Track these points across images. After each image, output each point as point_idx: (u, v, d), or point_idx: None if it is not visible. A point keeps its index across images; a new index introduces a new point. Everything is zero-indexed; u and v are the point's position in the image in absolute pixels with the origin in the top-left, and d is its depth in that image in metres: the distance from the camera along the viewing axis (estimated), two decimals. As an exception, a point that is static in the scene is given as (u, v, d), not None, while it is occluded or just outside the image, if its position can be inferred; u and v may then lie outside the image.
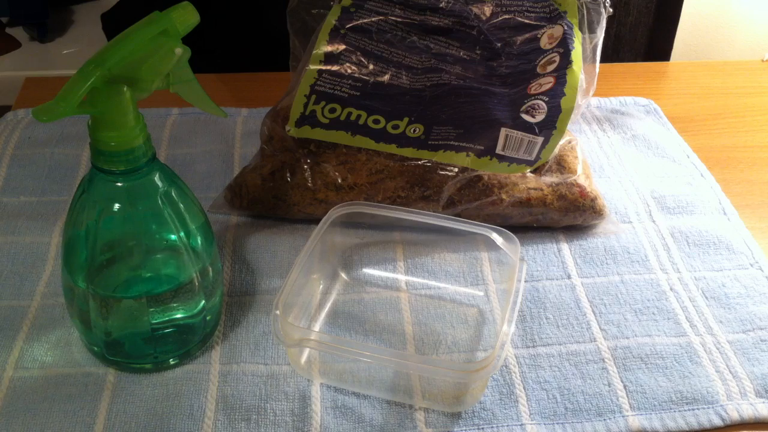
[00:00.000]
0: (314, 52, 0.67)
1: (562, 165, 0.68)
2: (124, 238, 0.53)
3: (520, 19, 0.68)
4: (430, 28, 0.68)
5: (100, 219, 0.51)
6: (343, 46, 0.67)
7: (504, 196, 0.66)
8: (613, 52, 1.20)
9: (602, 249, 0.67)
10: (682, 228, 0.69)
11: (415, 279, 0.64)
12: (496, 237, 0.59)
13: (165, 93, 0.51)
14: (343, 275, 0.64)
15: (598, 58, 0.70)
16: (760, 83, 0.93)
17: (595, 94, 0.81)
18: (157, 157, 0.51)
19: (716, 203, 0.72)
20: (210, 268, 0.55)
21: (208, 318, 0.57)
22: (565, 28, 0.67)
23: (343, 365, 0.56)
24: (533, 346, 0.58)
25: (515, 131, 0.66)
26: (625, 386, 0.56)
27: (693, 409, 0.54)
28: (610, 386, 0.56)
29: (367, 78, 0.66)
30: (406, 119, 0.66)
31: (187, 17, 0.49)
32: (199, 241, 0.54)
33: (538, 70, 0.67)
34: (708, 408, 0.54)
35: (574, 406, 0.54)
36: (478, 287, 0.63)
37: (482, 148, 0.67)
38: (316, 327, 0.60)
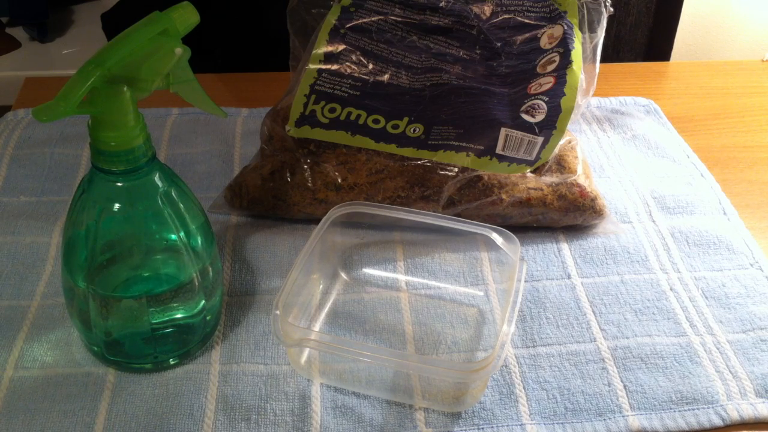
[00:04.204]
0: (314, 51, 0.67)
1: (562, 165, 0.68)
2: (124, 238, 0.53)
3: (520, 18, 0.68)
4: (430, 28, 0.68)
5: (100, 219, 0.51)
6: (342, 46, 0.67)
7: (504, 196, 0.66)
8: (613, 52, 1.20)
9: (602, 249, 0.67)
10: (682, 228, 0.69)
11: (415, 279, 0.64)
12: (496, 237, 0.59)
13: (165, 93, 0.51)
14: (343, 275, 0.64)
15: (598, 58, 0.70)
16: (760, 83, 0.93)
17: (595, 94, 0.82)
18: (157, 157, 0.51)
19: (716, 203, 0.72)
20: (210, 268, 0.55)
21: (208, 318, 0.57)
22: (565, 27, 0.67)
23: (343, 365, 0.56)
24: (533, 346, 0.58)
25: (515, 131, 0.66)
26: (625, 386, 0.56)
27: (693, 409, 0.54)
28: (610, 386, 0.56)
29: (366, 78, 0.66)
30: (406, 119, 0.66)
31: (187, 17, 0.49)
32: (199, 241, 0.54)
33: (538, 69, 0.67)
34: (708, 408, 0.54)
35: (574, 406, 0.54)
36: (478, 287, 0.63)
37: (482, 148, 0.67)
38: (316, 327, 0.60)
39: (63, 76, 0.74)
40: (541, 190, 0.67)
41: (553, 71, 0.66)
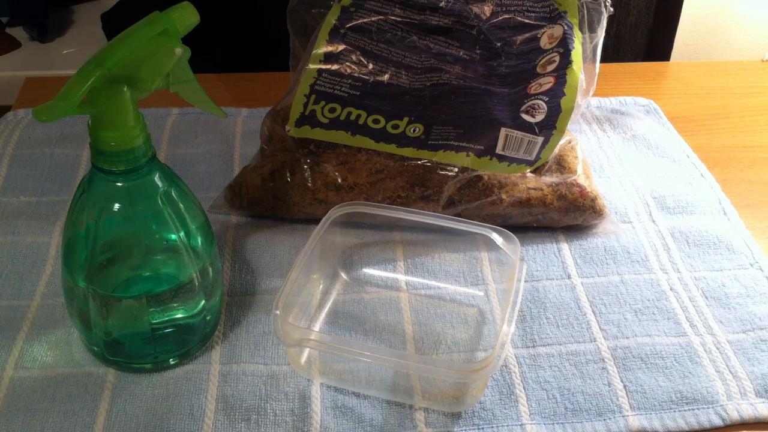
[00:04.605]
0: (314, 51, 0.67)
1: (562, 165, 0.68)
2: (124, 238, 0.53)
3: (520, 18, 0.68)
4: (430, 28, 0.68)
5: (100, 219, 0.51)
6: (342, 46, 0.67)
7: (504, 196, 0.66)
8: (613, 52, 1.20)
9: (602, 249, 0.67)
10: (682, 228, 0.69)
11: (415, 279, 0.64)
12: (496, 237, 0.59)
13: (165, 93, 0.51)
14: (343, 275, 0.64)
15: (598, 58, 0.70)
16: (760, 83, 0.93)
17: (595, 94, 0.82)
18: (157, 157, 0.51)
19: (716, 203, 0.72)
20: (210, 268, 0.55)
21: (208, 318, 0.57)
22: (565, 27, 0.67)
23: (343, 365, 0.56)
24: (533, 346, 0.58)
25: (515, 131, 0.66)
26: (625, 386, 0.56)
27: (693, 409, 0.54)
28: (610, 386, 0.56)
29: (366, 78, 0.66)
30: (406, 119, 0.66)
31: (187, 17, 0.49)
32: (199, 241, 0.54)
33: (538, 69, 0.67)
34: (708, 408, 0.54)
35: (574, 406, 0.54)
36: (478, 287, 0.63)
37: (482, 148, 0.67)
38: (316, 327, 0.60)
39: (63, 76, 0.74)
40: (541, 190, 0.67)
41: (553, 71, 0.66)
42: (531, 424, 0.53)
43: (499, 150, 0.67)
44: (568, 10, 0.68)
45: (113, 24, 1.10)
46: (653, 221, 0.70)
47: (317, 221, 0.60)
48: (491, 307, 0.62)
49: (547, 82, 0.66)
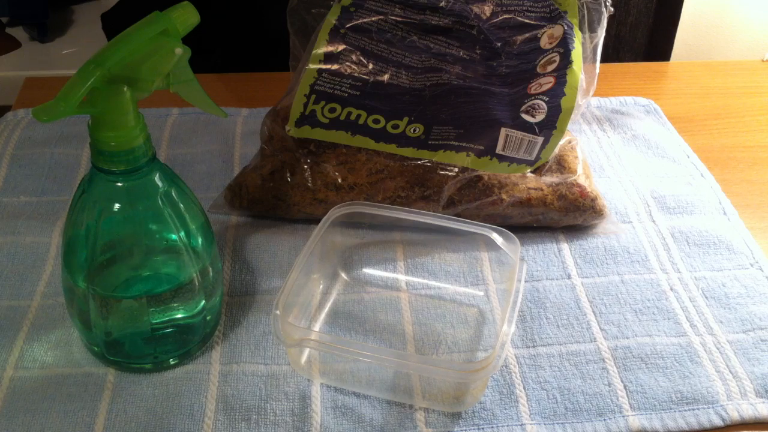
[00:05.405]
0: (314, 51, 0.67)
1: (562, 165, 0.68)
2: (124, 238, 0.53)
3: (520, 18, 0.68)
4: (430, 28, 0.68)
5: (100, 219, 0.51)
6: (342, 46, 0.67)
7: (504, 196, 0.66)
8: (613, 52, 1.20)
9: (602, 249, 0.67)
10: (682, 228, 0.69)
11: (415, 279, 0.64)
12: (496, 237, 0.59)
13: (165, 93, 0.51)
14: (343, 275, 0.64)
15: (598, 58, 0.70)
16: (760, 83, 0.93)
17: (595, 94, 0.82)
18: (157, 157, 0.51)
19: (716, 203, 0.72)
20: (210, 268, 0.55)
21: (208, 318, 0.57)
22: (566, 27, 0.67)
23: (343, 365, 0.56)
24: (533, 346, 0.58)
25: (515, 131, 0.66)
26: (625, 386, 0.56)
27: (693, 409, 0.54)
28: (610, 386, 0.56)
29: (366, 77, 0.66)
30: (406, 119, 0.66)
31: (187, 17, 0.49)
32: (199, 241, 0.54)
33: (538, 69, 0.67)
34: (708, 408, 0.54)
35: (574, 406, 0.54)
36: (478, 287, 0.63)
37: (482, 148, 0.67)
38: (316, 327, 0.60)
39: (63, 76, 0.74)
40: (541, 190, 0.67)
41: (553, 71, 0.66)
42: (531, 424, 0.53)
43: (499, 150, 0.67)
44: (568, 10, 0.68)
45: (113, 24, 1.10)
46: (653, 221, 0.70)
47: (317, 221, 0.60)
48: (491, 307, 0.62)
49: (547, 82, 0.66)
